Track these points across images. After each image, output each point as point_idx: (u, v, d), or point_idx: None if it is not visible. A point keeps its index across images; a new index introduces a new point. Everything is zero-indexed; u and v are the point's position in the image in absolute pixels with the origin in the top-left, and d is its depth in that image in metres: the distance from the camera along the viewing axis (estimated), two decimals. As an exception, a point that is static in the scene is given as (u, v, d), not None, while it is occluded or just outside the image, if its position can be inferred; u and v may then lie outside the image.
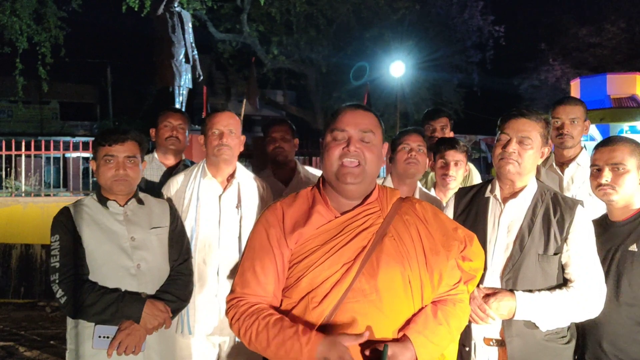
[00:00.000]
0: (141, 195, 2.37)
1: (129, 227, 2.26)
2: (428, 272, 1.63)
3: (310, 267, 1.60)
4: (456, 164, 2.95)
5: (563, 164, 2.88)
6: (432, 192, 3.01)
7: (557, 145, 2.91)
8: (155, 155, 3.34)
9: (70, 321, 2.22)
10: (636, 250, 2.02)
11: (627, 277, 2.02)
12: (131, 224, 2.27)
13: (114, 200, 2.28)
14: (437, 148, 3.04)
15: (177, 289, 2.28)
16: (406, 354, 1.51)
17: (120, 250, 2.21)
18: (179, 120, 3.34)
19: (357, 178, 1.63)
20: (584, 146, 2.94)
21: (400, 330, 1.58)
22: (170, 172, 3.16)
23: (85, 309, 2.10)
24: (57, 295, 2.14)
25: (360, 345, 1.52)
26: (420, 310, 1.63)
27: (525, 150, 2.01)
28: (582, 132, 2.87)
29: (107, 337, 2.11)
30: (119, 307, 2.10)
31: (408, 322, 1.60)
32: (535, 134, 2.03)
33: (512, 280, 1.98)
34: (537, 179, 2.90)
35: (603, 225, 2.19)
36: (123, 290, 2.17)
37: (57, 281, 2.14)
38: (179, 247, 2.37)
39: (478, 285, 2.00)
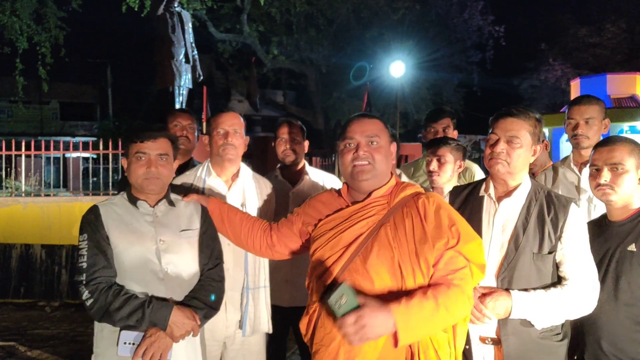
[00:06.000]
0: (172, 196, 2.26)
1: (158, 229, 2.15)
2: (417, 258, 1.78)
3: (320, 246, 1.92)
4: (439, 160, 2.88)
5: (581, 164, 2.84)
6: None
7: (573, 145, 2.88)
8: None
9: (97, 325, 2.12)
10: (635, 250, 2.02)
11: (626, 277, 2.02)
12: (161, 225, 2.16)
13: (144, 200, 2.18)
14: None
15: (206, 296, 2.16)
16: (378, 314, 1.61)
17: (148, 253, 2.10)
18: (188, 120, 3.38)
19: (368, 174, 1.89)
20: None
21: None
22: (180, 172, 3.16)
23: (111, 313, 1.99)
24: (83, 297, 2.03)
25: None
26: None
27: (513, 150, 2.02)
28: (599, 131, 2.80)
29: (133, 344, 2.01)
30: (144, 313, 1.99)
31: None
32: (524, 132, 2.02)
33: (507, 279, 1.98)
34: (555, 178, 2.89)
35: (602, 225, 2.19)
36: (150, 294, 2.06)
37: (83, 282, 2.03)
38: (210, 251, 2.25)
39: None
